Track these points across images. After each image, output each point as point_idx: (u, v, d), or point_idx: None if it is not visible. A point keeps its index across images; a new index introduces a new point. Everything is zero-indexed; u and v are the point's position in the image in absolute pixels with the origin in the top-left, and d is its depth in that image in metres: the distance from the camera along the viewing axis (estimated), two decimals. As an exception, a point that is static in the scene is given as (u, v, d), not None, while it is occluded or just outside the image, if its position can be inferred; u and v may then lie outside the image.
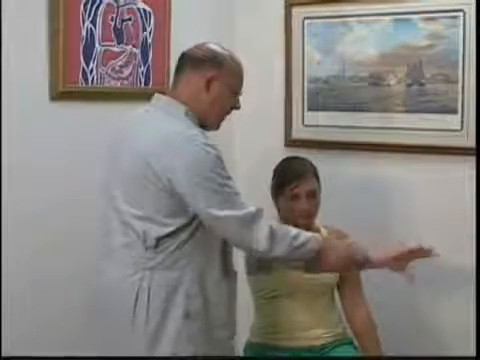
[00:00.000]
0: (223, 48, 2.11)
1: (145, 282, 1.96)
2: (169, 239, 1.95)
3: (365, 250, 2.09)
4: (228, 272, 2.09)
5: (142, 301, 1.95)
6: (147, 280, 1.96)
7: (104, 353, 2.05)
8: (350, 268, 2.30)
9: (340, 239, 2.51)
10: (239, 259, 2.23)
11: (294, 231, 2.02)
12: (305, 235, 2.02)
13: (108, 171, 2.08)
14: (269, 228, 1.96)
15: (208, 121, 2.08)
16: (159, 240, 1.95)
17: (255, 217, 1.95)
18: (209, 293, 2.01)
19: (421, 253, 2.12)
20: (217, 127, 2.13)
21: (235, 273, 2.13)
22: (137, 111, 2.09)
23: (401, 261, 2.12)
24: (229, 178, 1.96)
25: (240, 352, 2.57)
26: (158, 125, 1.99)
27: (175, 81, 2.11)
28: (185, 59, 2.09)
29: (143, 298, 1.95)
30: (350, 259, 2.10)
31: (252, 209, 1.96)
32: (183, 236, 1.96)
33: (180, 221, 1.95)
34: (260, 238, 1.94)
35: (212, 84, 2.04)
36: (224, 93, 2.07)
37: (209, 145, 1.94)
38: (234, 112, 2.15)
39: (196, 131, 1.97)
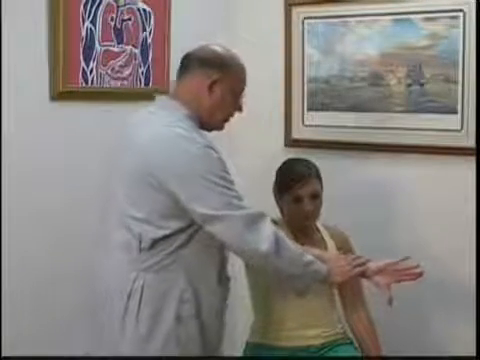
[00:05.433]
0: (227, 50, 2.10)
1: (138, 283, 1.95)
2: (165, 242, 1.95)
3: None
4: (222, 279, 2.09)
5: (134, 301, 1.95)
6: (140, 281, 1.95)
7: (95, 347, 2.05)
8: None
9: (339, 240, 2.53)
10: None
11: (300, 248, 2.04)
12: (311, 257, 2.04)
13: (111, 170, 2.08)
14: (274, 231, 1.95)
15: (210, 123, 2.08)
16: (155, 242, 1.95)
17: (259, 218, 1.94)
18: (202, 299, 2.00)
19: (409, 276, 2.16)
20: (221, 128, 2.13)
21: (229, 279, 2.13)
22: (140, 112, 2.09)
23: (384, 274, 2.15)
24: (231, 182, 1.95)
25: (240, 352, 2.58)
26: (159, 127, 1.98)
27: (177, 82, 2.09)
28: (189, 60, 2.08)
29: (135, 298, 1.95)
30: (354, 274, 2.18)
31: (255, 210, 1.94)
32: (179, 240, 1.96)
33: (176, 225, 1.95)
34: (264, 239, 1.92)
35: (215, 87, 2.03)
36: (226, 97, 2.06)
37: (209, 147, 1.94)
38: (234, 112, 2.15)
39: (196, 134, 1.97)
